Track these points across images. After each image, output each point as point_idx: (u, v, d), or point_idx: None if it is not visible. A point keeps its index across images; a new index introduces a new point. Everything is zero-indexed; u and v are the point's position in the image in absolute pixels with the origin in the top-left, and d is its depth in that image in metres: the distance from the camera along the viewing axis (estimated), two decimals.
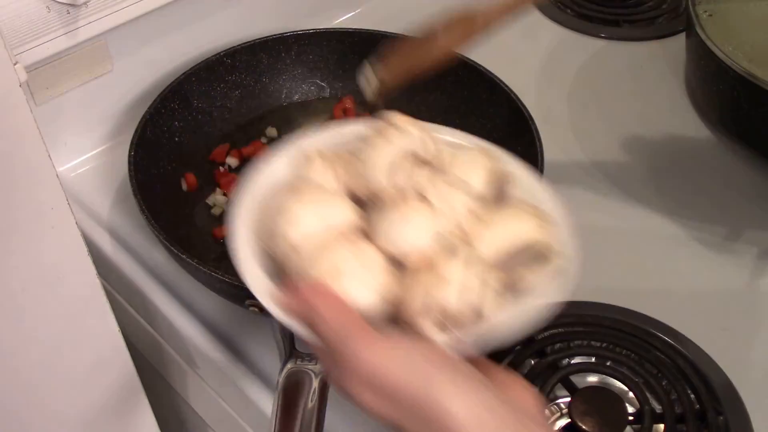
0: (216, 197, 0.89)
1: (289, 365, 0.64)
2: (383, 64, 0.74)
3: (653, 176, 0.94)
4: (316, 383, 0.63)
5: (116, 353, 0.74)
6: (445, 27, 0.74)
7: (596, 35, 1.15)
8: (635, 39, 1.15)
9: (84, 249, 0.62)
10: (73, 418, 0.75)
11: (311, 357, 0.65)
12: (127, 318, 0.88)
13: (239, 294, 0.71)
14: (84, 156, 0.95)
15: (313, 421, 0.60)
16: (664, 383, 0.73)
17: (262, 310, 0.69)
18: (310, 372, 0.63)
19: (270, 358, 0.75)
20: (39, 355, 0.67)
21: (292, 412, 0.61)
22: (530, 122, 0.85)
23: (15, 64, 0.50)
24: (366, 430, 0.71)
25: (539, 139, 0.83)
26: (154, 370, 0.93)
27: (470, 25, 0.73)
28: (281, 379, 0.63)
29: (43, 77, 0.84)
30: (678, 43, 1.10)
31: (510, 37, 1.08)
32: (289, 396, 0.61)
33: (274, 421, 0.59)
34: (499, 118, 0.92)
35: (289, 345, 0.66)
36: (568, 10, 1.20)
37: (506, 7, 0.72)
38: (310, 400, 0.61)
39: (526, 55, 1.12)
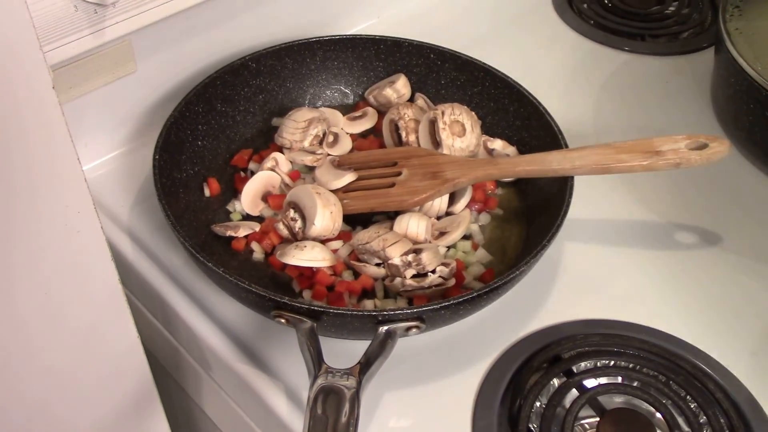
0: (235, 204, 0.87)
1: (319, 381, 0.63)
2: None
3: (679, 193, 0.92)
4: (347, 399, 0.61)
5: (134, 359, 0.72)
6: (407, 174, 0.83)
7: (620, 48, 1.13)
8: (660, 53, 1.13)
9: (108, 253, 0.60)
10: (87, 422, 0.73)
11: (342, 372, 0.63)
12: (143, 323, 0.87)
13: (266, 304, 0.69)
14: (105, 157, 0.93)
15: None
16: (693, 406, 0.72)
17: (289, 322, 0.68)
18: (341, 387, 0.62)
19: (294, 370, 0.73)
20: (57, 359, 0.65)
21: (324, 428, 0.59)
22: (559, 136, 0.85)
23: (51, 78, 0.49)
24: None
25: (563, 137, 0.83)
26: (169, 377, 0.91)
27: (435, 179, 0.81)
28: (312, 395, 0.61)
29: (66, 77, 0.82)
30: (704, 59, 1.09)
31: (533, 48, 1.12)
32: (321, 412, 0.60)
33: None
34: (525, 130, 0.91)
35: (318, 359, 0.65)
36: (592, 22, 1.18)
37: (474, 178, 0.81)
38: (343, 416, 0.59)
39: (549, 66, 1.10)
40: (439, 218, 0.85)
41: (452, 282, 0.77)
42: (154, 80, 0.93)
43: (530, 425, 0.69)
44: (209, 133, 0.91)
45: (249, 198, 0.85)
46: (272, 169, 0.86)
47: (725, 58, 0.95)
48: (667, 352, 0.74)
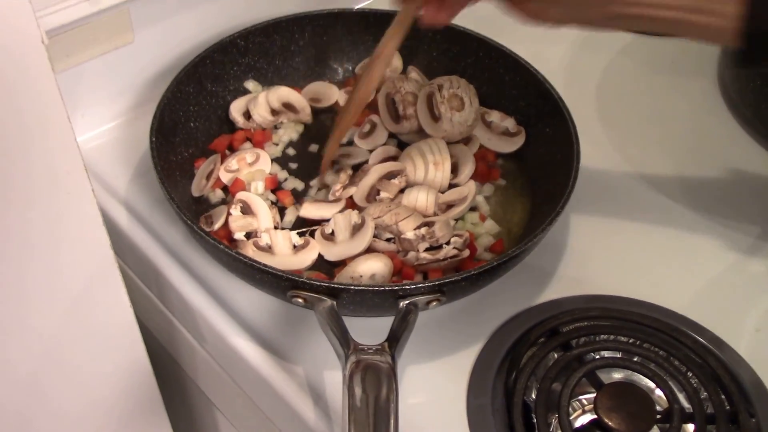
0: (215, 191, 0.90)
1: (352, 358, 0.65)
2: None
3: (683, 172, 0.95)
4: (385, 374, 0.63)
5: (126, 329, 0.75)
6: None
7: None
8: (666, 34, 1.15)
9: (99, 219, 0.64)
10: (79, 396, 0.76)
11: (373, 348, 0.65)
12: (139, 297, 0.89)
13: (282, 285, 0.71)
14: (101, 128, 0.96)
15: (391, 414, 0.61)
16: (694, 382, 0.74)
17: (307, 301, 0.71)
18: (377, 363, 0.64)
19: (298, 347, 0.76)
20: (47, 325, 0.68)
21: (364, 406, 0.61)
22: (560, 103, 0.88)
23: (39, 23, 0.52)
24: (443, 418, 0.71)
25: (572, 121, 0.86)
26: (165, 351, 0.94)
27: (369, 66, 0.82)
28: (347, 372, 0.63)
29: (63, 44, 0.86)
30: None
31: (534, 30, 1.13)
32: (360, 389, 0.62)
33: (347, 418, 0.60)
34: (523, 99, 0.94)
35: (345, 337, 0.67)
36: None
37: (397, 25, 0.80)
38: (383, 392, 0.62)
39: (551, 45, 1.12)
40: (442, 192, 0.89)
41: (466, 253, 0.80)
42: (152, 51, 0.96)
43: (526, 399, 0.71)
44: (201, 114, 0.94)
45: (197, 178, 0.89)
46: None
47: None
48: (669, 327, 0.76)
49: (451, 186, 0.89)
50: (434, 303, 0.72)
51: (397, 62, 1.01)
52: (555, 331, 0.76)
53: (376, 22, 1.00)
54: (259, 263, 0.72)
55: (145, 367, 0.82)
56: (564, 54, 1.12)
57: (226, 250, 0.73)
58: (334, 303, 0.70)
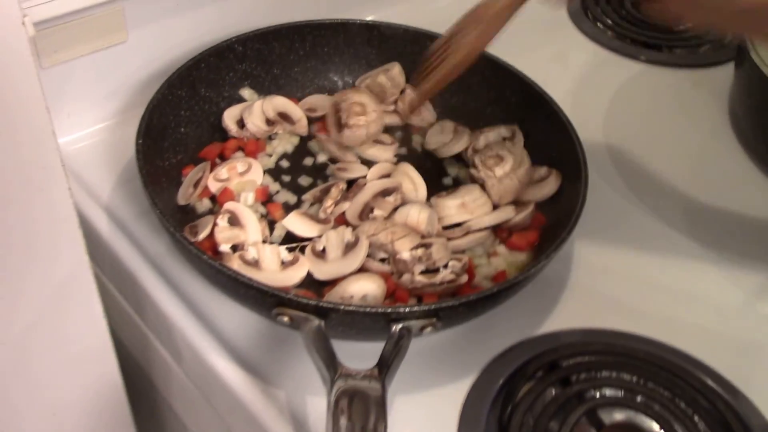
0: (203, 200, 0.86)
1: (339, 383, 0.61)
2: (413, 84, 0.85)
3: (692, 205, 0.93)
4: (373, 402, 0.59)
5: (99, 342, 0.71)
6: (459, 29, 0.81)
7: (636, 58, 1.15)
8: (677, 65, 1.15)
9: (75, 218, 0.60)
10: (44, 409, 0.72)
11: (362, 374, 0.62)
12: (115, 309, 0.86)
13: (267, 301, 0.68)
14: (87, 130, 0.93)
15: None
16: (701, 427, 0.70)
17: (293, 320, 0.68)
18: (365, 390, 0.60)
19: (281, 370, 0.73)
20: (16, 329, 0.65)
21: None
22: (568, 126, 0.86)
23: (24, 17, 0.49)
24: None
25: (580, 145, 0.84)
26: (139, 368, 0.90)
27: (481, 19, 0.78)
28: (333, 399, 0.60)
29: (52, 39, 0.83)
30: (723, 74, 1.10)
31: (543, 54, 1.14)
32: (345, 418, 0.59)
33: None
34: (529, 122, 0.92)
35: (333, 360, 0.64)
36: (609, 32, 1.20)
37: None
38: (371, 422, 0.58)
39: (560, 74, 1.11)
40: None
41: (464, 279, 0.77)
42: (144, 53, 0.93)
43: None
44: (192, 119, 0.91)
45: (184, 186, 0.86)
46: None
47: (747, 67, 0.96)
48: (676, 367, 0.74)
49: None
50: (429, 328, 0.69)
51: (401, 78, 0.98)
52: (554, 365, 0.73)
53: (379, 36, 0.99)
54: (244, 276, 0.68)
55: (116, 384, 0.78)
56: (572, 80, 1.11)
57: (209, 261, 0.70)
58: (322, 323, 0.67)
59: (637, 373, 0.73)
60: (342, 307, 0.67)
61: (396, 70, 0.98)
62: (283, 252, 0.80)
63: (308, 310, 0.67)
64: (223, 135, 0.93)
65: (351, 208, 0.84)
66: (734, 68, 1.04)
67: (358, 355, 0.66)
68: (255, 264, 0.78)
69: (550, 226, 0.83)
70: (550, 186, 0.86)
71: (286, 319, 0.68)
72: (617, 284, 0.84)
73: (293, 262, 0.79)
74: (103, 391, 0.78)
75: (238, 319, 0.76)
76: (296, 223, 0.82)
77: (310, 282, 0.79)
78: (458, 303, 0.69)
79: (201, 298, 0.78)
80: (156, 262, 0.81)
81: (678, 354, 0.76)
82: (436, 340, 0.75)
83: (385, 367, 0.63)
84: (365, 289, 0.75)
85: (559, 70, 1.11)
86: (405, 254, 0.77)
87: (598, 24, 1.21)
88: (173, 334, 0.77)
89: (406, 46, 0.98)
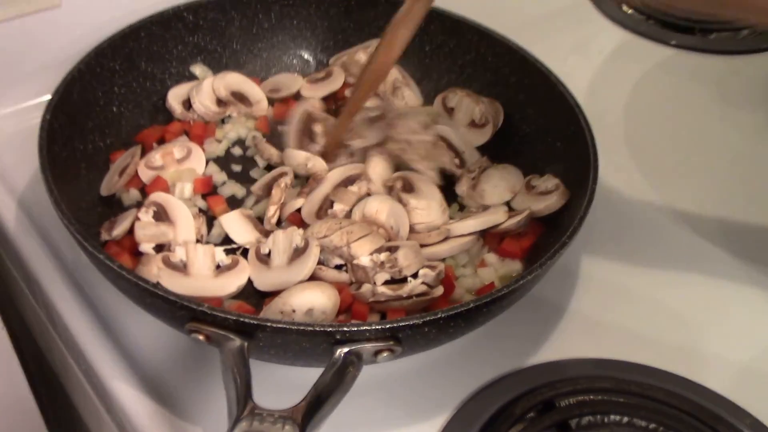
0: (130, 191, 0.75)
1: (243, 424, 0.50)
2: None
3: (725, 211, 0.84)
4: None
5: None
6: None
7: (665, 42, 1.05)
8: (713, 51, 1.04)
9: None
10: None
11: (276, 415, 0.50)
12: (30, 313, 0.78)
13: (177, 314, 0.57)
14: (10, 108, 0.84)
15: None
16: None
17: (210, 339, 0.56)
18: None
19: (201, 401, 0.62)
20: None
21: None
22: (576, 110, 0.75)
23: None
24: None
25: (594, 149, 0.72)
26: (56, 377, 0.81)
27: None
28: None
29: None
30: (764, 62, 1.02)
31: (563, 37, 1.06)
32: None
33: None
34: (531, 107, 0.82)
35: (245, 394, 0.52)
36: (634, 13, 1.09)
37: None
38: None
39: (579, 57, 1.02)
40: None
41: (439, 291, 0.67)
42: (82, 20, 0.83)
43: None
44: (129, 97, 0.81)
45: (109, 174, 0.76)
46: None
47: None
48: (701, 410, 0.64)
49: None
50: (385, 354, 0.57)
51: None
52: (549, 405, 0.64)
53: (358, 6, 0.89)
54: (148, 283, 0.56)
55: (24, 398, 0.65)
56: (591, 66, 1.01)
57: (105, 262, 0.57)
58: (245, 344, 0.55)
59: (653, 418, 0.63)
60: (269, 324, 0.54)
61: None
62: (219, 254, 0.68)
63: (227, 328, 0.55)
64: (168, 117, 0.83)
65: (307, 204, 0.71)
66: None
67: (300, 385, 0.54)
68: (182, 268, 0.65)
69: (550, 234, 0.72)
70: (552, 202, 0.74)
71: (201, 337, 0.56)
72: (630, 307, 0.74)
73: (231, 267, 0.68)
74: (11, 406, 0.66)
75: (154, 336, 0.66)
76: (234, 225, 0.71)
77: (250, 292, 0.68)
78: (422, 321, 0.56)
79: (114, 309, 0.68)
80: (69, 266, 0.71)
81: (706, 394, 0.66)
82: (402, 367, 0.65)
83: (313, 407, 0.52)
84: (311, 301, 0.63)
85: (579, 56, 1.03)
86: (364, 259, 0.65)
87: (623, 6, 1.10)
88: (78, 348, 0.66)
89: (388, 18, 0.85)
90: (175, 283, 0.64)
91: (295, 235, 0.67)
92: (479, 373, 0.66)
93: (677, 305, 0.75)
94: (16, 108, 0.84)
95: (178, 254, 0.66)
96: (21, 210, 0.75)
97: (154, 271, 0.64)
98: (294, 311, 0.62)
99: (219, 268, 0.67)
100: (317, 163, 0.74)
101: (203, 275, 0.66)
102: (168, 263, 0.65)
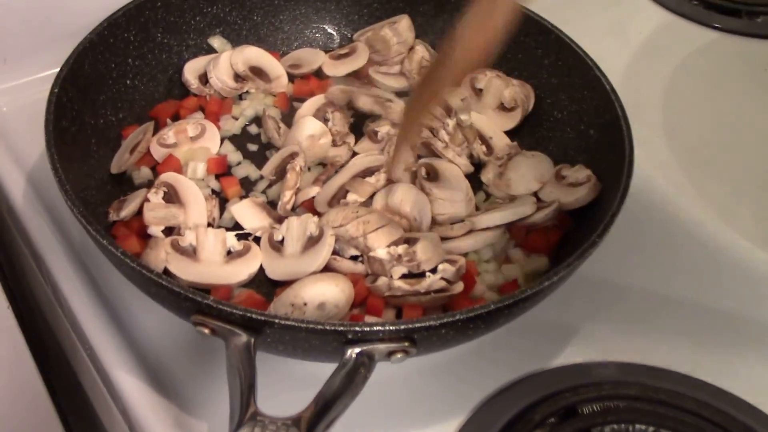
0: (141, 169, 0.72)
1: (244, 431, 0.47)
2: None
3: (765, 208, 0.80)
4: None
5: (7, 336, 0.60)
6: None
7: (708, 25, 1.00)
8: (759, 35, 0.99)
9: None
10: None
11: (279, 422, 0.48)
12: (41, 293, 0.75)
13: (183, 305, 0.54)
14: (23, 80, 0.81)
15: None
16: None
17: (216, 333, 0.53)
18: None
19: (207, 395, 0.59)
20: None
21: None
22: (612, 96, 0.71)
23: None
24: None
25: (630, 138, 0.68)
26: (67, 361, 0.78)
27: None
28: None
29: None
30: None
31: (599, 17, 1.01)
32: None
33: None
34: (564, 90, 0.78)
35: (248, 396, 0.50)
36: None
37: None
38: None
39: (616, 39, 0.98)
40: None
41: (459, 287, 0.63)
42: None
43: None
44: (143, 70, 0.78)
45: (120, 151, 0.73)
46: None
47: None
48: (729, 420, 0.61)
49: None
50: (399, 355, 0.54)
51: (408, 34, 0.84)
52: (571, 411, 0.60)
53: None
54: (151, 272, 0.54)
55: (36, 388, 0.64)
56: (629, 49, 0.96)
57: (108, 248, 0.55)
58: (252, 340, 0.52)
59: (682, 430, 0.60)
60: (277, 321, 0.51)
61: (404, 23, 0.85)
62: (231, 239, 0.65)
63: (233, 322, 0.53)
64: (184, 92, 0.80)
65: (322, 192, 0.68)
66: None
67: (309, 380, 0.52)
68: (191, 253, 0.63)
69: (579, 228, 0.69)
70: (582, 195, 0.70)
71: (206, 330, 0.53)
72: (663, 307, 0.70)
73: (243, 254, 0.65)
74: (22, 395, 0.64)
75: (161, 324, 0.63)
76: (245, 213, 0.68)
77: (262, 280, 0.65)
78: (438, 323, 0.53)
79: (120, 293, 0.65)
80: (76, 245, 0.69)
81: (739, 405, 0.62)
82: (412, 364, 0.60)
83: (319, 413, 0.49)
84: (324, 294, 0.60)
85: (616, 38, 0.98)
86: (381, 252, 0.62)
87: None
88: (82, 332, 0.64)
89: None
90: (183, 269, 0.62)
91: (310, 222, 0.64)
92: (497, 374, 0.63)
93: (711, 309, 0.70)
94: (30, 78, 0.82)
95: (188, 238, 0.64)
96: (30, 185, 0.73)
97: (162, 255, 0.62)
98: (305, 304, 0.59)
99: (230, 254, 0.64)
100: (334, 150, 0.72)
101: (213, 261, 0.63)
102: (177, 247, 0.63)
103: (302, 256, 0.63)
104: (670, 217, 0.78)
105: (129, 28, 0.75)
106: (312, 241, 0.63)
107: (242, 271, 0.63)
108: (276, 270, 0.63)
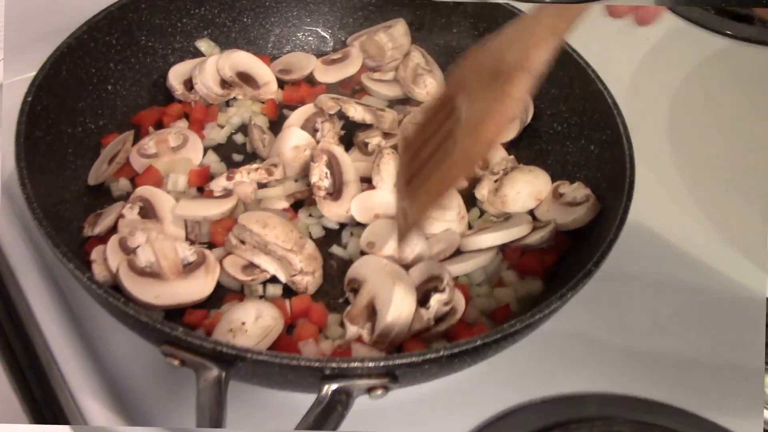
0: (120, 181, 0.70)
1: None
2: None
3: None
4: None
5: None
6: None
7: (719, 31, 0.98)
8: None
9: None
10: None
11: None
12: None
13: (151, 335, 0.53)
14: (19, 77, 0.77)
15: None
16: None
17: (185, 364, 0.50)
18: None
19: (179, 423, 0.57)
20: None
21: None
22: (614, 110, 0.69)
23: None
24: None
25: (631, 158, 0.66)
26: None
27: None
28: None
29: None
30: None
31: (605, 21, 0.94)
32: None
33: None
34: (564, 102, 0.75)
35: (215, 424, 0.48)
36: None
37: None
38: None
39: (623, 44, 0.95)
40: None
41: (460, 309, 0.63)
42: None
43: None
44: (126, 75, 0.76)
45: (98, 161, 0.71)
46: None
47: None
48: None
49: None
50: (380, 391, 0.52)
51: (404, 39, 0.82)
52: None
53: None
54: (118, 299, 0.51)
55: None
56: (635, 57, 0.94)
57: (74, 272, 0.53)
58: (224, 374, 0.50)
59: None
60: (249, 355, 0.49)
61: (400, 28, 0.82)
62: (181, 249, 0.62)
63: (204, 355, 0.50)
64: (169, 98, 0.78)
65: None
66: None
67: (290, 407, 0.51)
68: (147, 272, 0.60)
69: (576, 250, 0.66)
70: (580, 215, 0.67)
71: (176, 362, 0.51)
72: (660, 338, 0.67)
73: (200, 264, 0.62)
74: None
75: (131, 348, 0.61)
76: (188, 209, 0.66)
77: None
78: (421, 359, 0.51)
79: (91, 313, 0.62)
80: (48, 260, 0.66)
81: None
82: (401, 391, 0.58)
83: None
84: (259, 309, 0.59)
85: (623, 43, 0.94)
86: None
87: None
88: (51, 352, 0.61)
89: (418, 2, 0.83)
90: (143, 291, 0.59)
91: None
92: (487, 403, 0.60)
93: (713, 339, 0.67)
94: (7, 83, 0.78)
95: (143, 257, 0.61)
96: (4, 195, 0.70)
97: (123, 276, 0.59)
98: (244, 323, 0.57)
99: (188, 266, 0.62)
100: None
101: (173, 273, 0.60)
102: (134, 268, 0.60)
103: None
104: (671, 238, 0.75)
105: (111, 31, 0.73)
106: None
107: (207, 284, 0.61)
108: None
